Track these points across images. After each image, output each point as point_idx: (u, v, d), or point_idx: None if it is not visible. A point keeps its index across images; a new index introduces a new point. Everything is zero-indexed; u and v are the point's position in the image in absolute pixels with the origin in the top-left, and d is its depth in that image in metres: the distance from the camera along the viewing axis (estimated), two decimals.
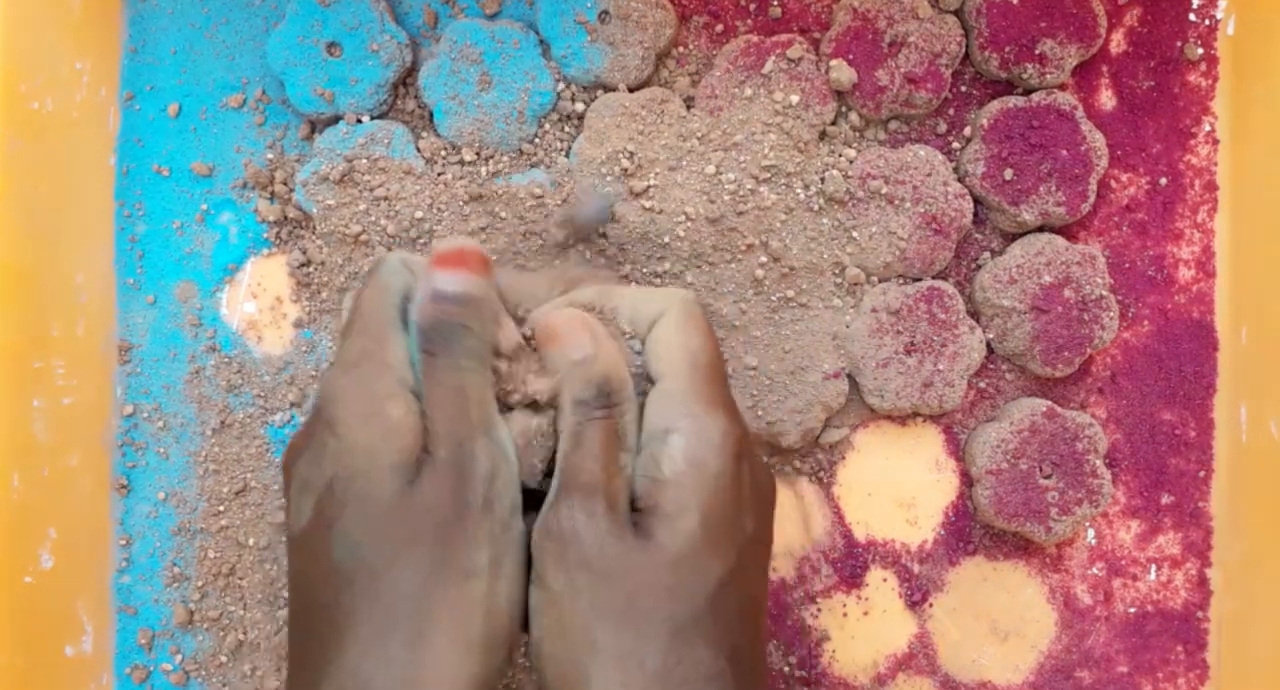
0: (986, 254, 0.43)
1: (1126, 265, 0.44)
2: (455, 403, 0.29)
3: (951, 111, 0.43)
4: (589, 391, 0.30)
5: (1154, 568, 0.44)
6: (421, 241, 0.41)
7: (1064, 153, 0.42)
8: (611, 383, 0.30)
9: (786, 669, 0.43)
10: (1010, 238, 0.43)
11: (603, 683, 0.27)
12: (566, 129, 0.42)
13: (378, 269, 0.32)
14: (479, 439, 0.29)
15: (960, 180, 0.42)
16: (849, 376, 0.43)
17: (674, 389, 0.30)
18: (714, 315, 0.41)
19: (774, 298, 0.42)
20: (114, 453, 0.44)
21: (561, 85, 0.42)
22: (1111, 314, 0.42)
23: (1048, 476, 0.42)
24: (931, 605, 0.44)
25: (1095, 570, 0.44)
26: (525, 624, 0.30)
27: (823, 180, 0.42)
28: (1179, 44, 0.44)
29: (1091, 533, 0.44)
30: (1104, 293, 0.42)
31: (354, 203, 0.41)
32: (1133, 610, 0.44)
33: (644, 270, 0.41)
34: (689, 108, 0.42)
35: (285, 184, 0.43)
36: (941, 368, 0.42)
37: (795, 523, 0.43)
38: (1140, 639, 0.44)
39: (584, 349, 0.30)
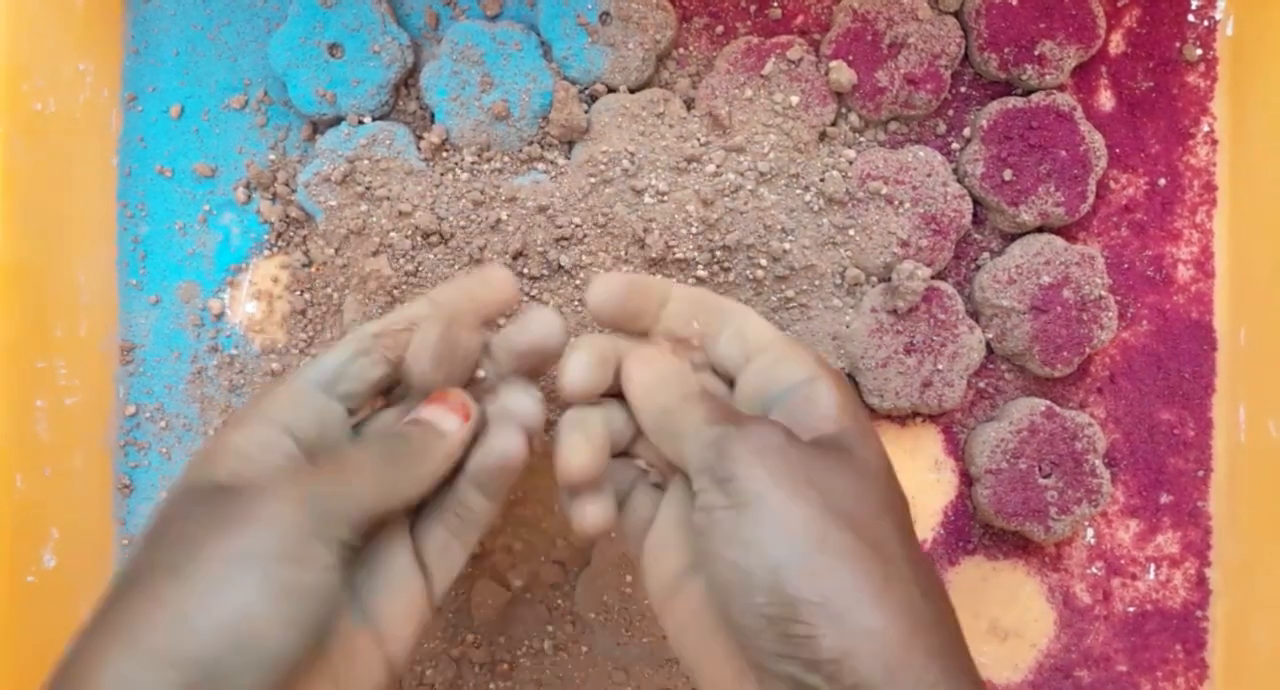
0: (986, 254, 0.43)
1: (1125, 265, 0.44)
2: (334, 473, 0.29)
3: (951, 112, 0.44)
4: (693, 385, 0.31)
5: (1153, 567, 0.44)
6: (432, 240, 0.42)
7: (1063, 153, 0.42)
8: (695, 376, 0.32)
9: None
10: (1009, 238, 0.43)
11: (854, 575, 0.26)
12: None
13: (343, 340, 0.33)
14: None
15: (960, 181, 0.42)
16: (849, 376, 0.43)
17: (790, 352, 0.32)
18: None
19: (774, 298, 0.42)
20: (116, 453, 0.44)
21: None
22: (1110, 314, 0.42)
23: (1047, 476, 0.42)
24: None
25: (1094, 569, 0.44)
26: None
27: (823, 181, 0.42)
28: (1178, 45, 0.44)
29: (1090, 532, 0.44)
30: (1103, 293, 0.42)
31: (356, 203, 0.42)
32: (1132, 609, 0.44)
33: (643, 271, 0.41)
34: (689, 109, 0.42)
35: (287, 185, 0.43)
36: (941, 368, 0.42)
37: None
38: (1139, 638, 0.44)
39: (674, 362, 0.32)
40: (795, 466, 0.28)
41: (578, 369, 0.32)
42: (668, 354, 0.32)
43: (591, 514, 0.32)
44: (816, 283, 0.42)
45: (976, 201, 0.43)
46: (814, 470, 0.28)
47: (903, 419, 0.44)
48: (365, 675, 0.29)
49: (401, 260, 0.41)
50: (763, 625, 0.26)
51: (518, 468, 0.31)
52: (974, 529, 0.44)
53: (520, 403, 0.32)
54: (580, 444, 0.31)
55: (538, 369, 0.34)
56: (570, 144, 0.43)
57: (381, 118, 0.43)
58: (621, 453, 0.34)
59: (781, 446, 0.28)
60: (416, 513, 0.32)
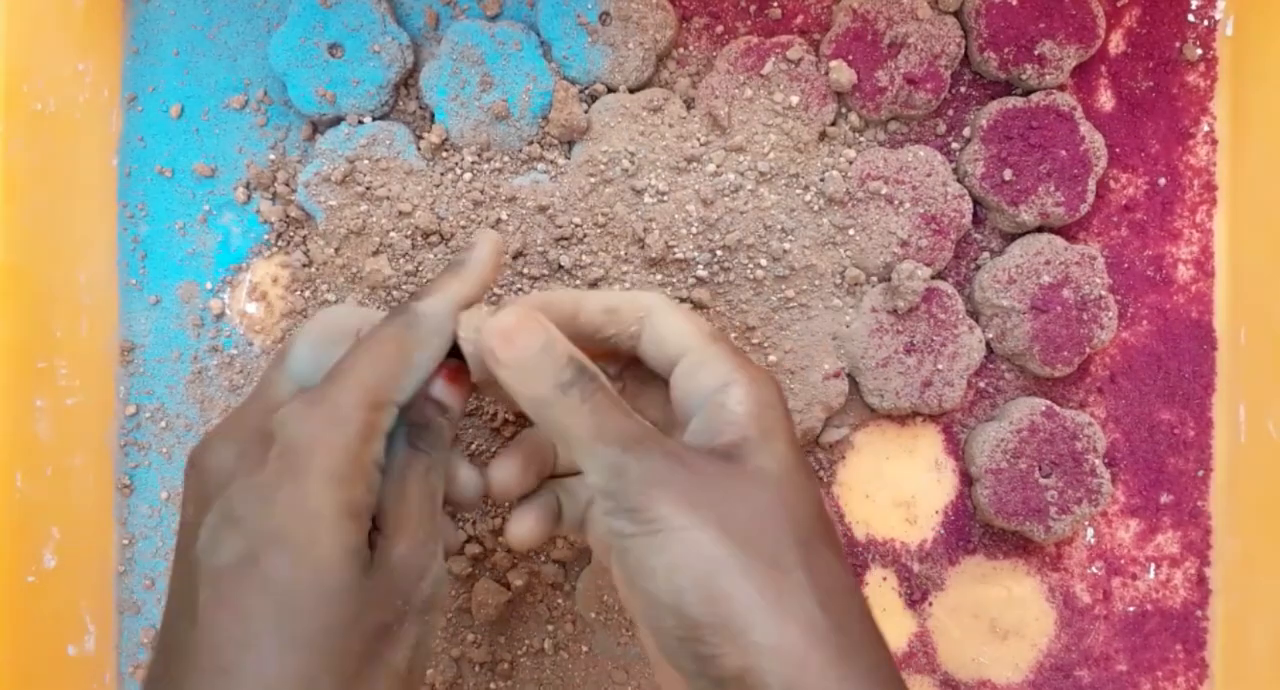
0: (986, 254, 0.43)
1: (1125, 265, 0.44)
2: (428, 503, 0.30)
3: (951, 112, 0.44)
4: (567, 373, 0.30)
5: (1153, 567, 0.44)
6: (432, 240, 0.42)
7: (1063, 153, 0.42)
8: (579, 360, 0.30)
9: None
10: (1009, 238, 0.43)
11: (748, 595, 0.27)
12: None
13: (411, 324, 0.31)
14: (434, 543, 0.30)
15: (960, 181, 0.42)
16: (849, 376, 0.43)
17: (707, 356, 0.31)
18: (714, 315, 0.42)
19: (774, 298, 0.42)
20: (117, 453, 0.44)
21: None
22: (1110, 314, 0.42)
23: (1047, 476, 0.42)
24: (931, 604, 0.44)
25: (1094, 569, 0.44)
26: None
27: (823, 181, 0.42)
28: (1178, 44, 0.44)
29: (1091, 532, 0.44)
30: (1103, 293, 0.42)
31: (356, 203, 0.42)
32: (1132, 609, 0.44)
33: (644, 271, 0.41)
34: (689, 109, 0.42)
35: (287, 185, 0.43)
36: (941, 367, 0.42)
37: None
38: (1139, 638, 0.44)
39: (540, 335, 0.30)
40: (693, 491, 0.28)
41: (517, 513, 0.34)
42: (531, 323, 0.30)
43: (515, 530, 0.33)
44: (816, 283, 0.42)
45: (976, 201, 0.43)
46: (710, 489, 0.28)
47: (903, 419, 0.44)
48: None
49: (401, 260, 0.41)
50: (675, 646, 0.27)
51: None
52: (974, 529, 0.44)
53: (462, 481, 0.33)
54: (507, 463, 0.33)
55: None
56: (570, 144, 0.43)
57: (381, 117, 0.43)
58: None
59: (676, 475, 0.28)
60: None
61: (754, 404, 0.30)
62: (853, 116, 0.43)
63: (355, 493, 0.28)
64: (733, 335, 0.42)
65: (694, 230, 0.41)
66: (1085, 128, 0.42)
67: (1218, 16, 0.44)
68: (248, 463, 0.28)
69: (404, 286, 0.41)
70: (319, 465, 0.27)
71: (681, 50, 0.43)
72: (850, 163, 0.42)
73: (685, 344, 0.32)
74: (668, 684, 0.29)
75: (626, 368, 0.35)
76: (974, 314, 0.43)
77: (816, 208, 0.42)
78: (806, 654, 0.26)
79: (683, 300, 0.41)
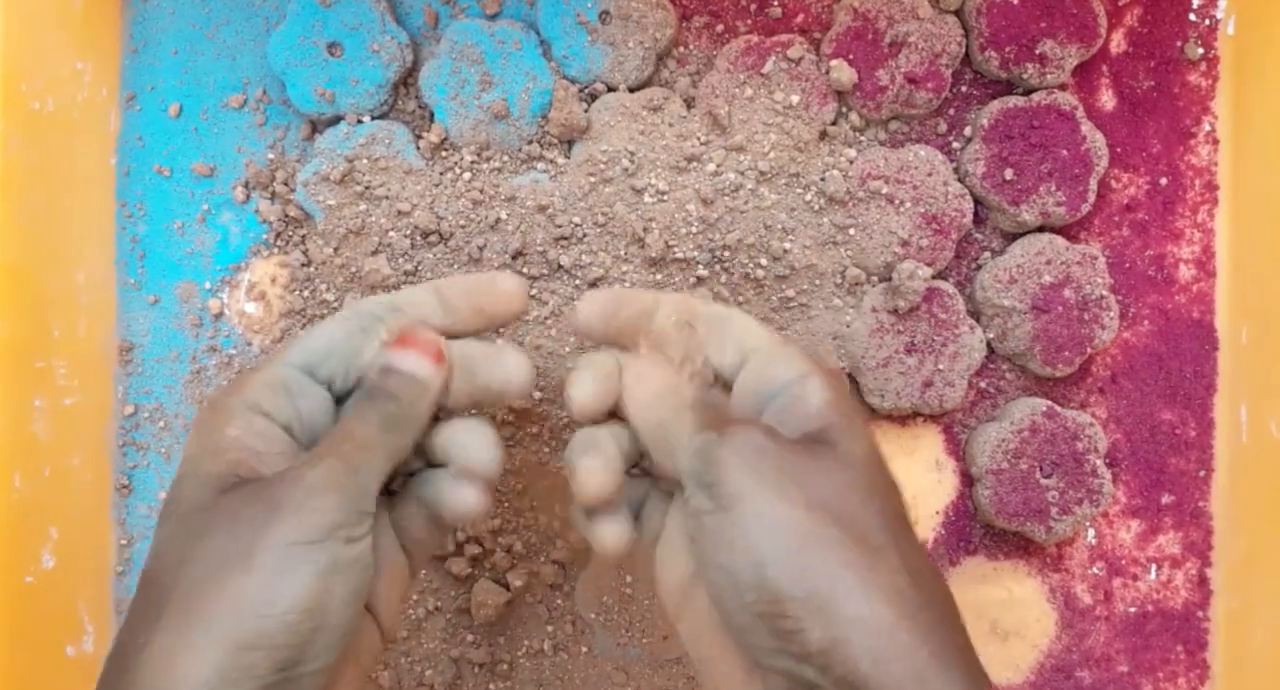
0: (987, 254, 0.43)
1: (1127, 265, 0.44)
2: (336, 436, 0.30)
3: (952, 111, 0.43)
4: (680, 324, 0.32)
5: (1154, 567, 0.44)
6: (431, 239, 0.41)
7: (1064, 153, 0.42)
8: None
9: None
10: (1010, 238, 0.43)
11: (837, 568, 0.26)
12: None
13: (350, 313, 0.33)
14: (330, 460, 0.29)
15: (960, 180, 0.42)
16: (849, 376, 0.43)
17: (780, 353, 0.32)
18: None
19: (774, 298, 0.42)
20: (115, 453, 0.44)
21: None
22: (1111, 314, 0.42)
23: (1048, 476, 0.42)
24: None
25: (1095, 570, 0.44)
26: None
27: (823, 180, 0.42)
28: (1179, 44, 0.44)
29: (1092, 532, 0.44)
30: (1104, 292, 0.42)
31: (355, 202, 0.41)
32: (1133, 610, 0.44)
33: (643, 271, 0.41)
34: (689, 108, 0.42)
35: (286, 184, 0.43)
36: (942, 367, 0.42)
37: None
38: (1140, 638, 0.44)
39: (668, 376, 0.32)
40: (777, 465, 0.28)
41: (583, 389, 0.32)
42: (661, 366, 0.32)
43: (612, 535, 0.32)
44: (817, 282, 0.42)
45: (977, 201, 0.43)
46: (797, 467, 0.28)
47: (903, 419, 0.44)
48: (371, 646, 0.31)
49: (400, 260, 0.41)
50: (754, 622, 0.27)
51: (480, 515, 0.32)
52: (975, 529, 0.44)
53: (476, 450, 0.32)
54: (596, 466, 0.31)
55: (486, 404, 0.34)
56: (570, 143, 0.42)
57: (380, 117, 0.43)
58: (632, 467, 0.34)
59: (763, 447, 0.28)
60: (390, 492, 0.33)
61: (834, 394, 0.31)
62: (853, 116, 0.43)
63: (219, 434, 0.30)
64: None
65: (694, 230, 0.41)
66: (1086, 127, 0.42)
67: (1219, 15, 0.44)
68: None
69: (403, 286, 0.41)
70: (199, 418, 0.31)
71: (681, 49, 0.43)
72: (851, 162, 0.42)
73: (760, 339, 0.33)
74: (720, 678, 0.29)
75: None
76: (975, 314, 0.43)
77: (817, 207, 0.42)
78: (895, 628, 0.26)
79: None
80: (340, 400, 0.32)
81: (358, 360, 0.32)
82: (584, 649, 0.43)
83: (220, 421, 0.30)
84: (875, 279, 0.43)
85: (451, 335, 0.33)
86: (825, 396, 0.30)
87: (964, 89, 0.43)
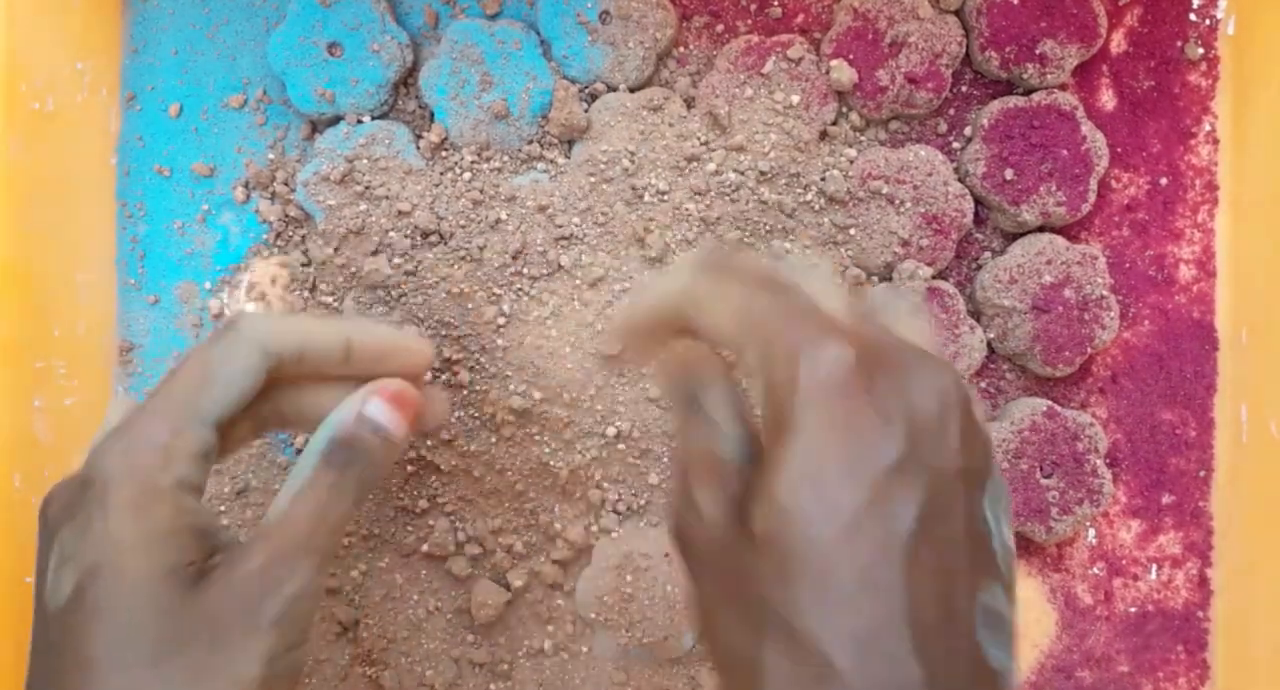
0: (987, 254, 0.43)
1: (1127, 265, 0.44)
2: (312, 517, 0.29)
3: (952, 111, 0.43)
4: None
5: (1154, 567, 0.44)
6: (432, 239, 0.41)
7: (1064, 153, 0.42)
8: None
9: None
10: (1011, 238, 0.43)
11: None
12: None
13: (222, 345, 0.30)
14: (307, 559, 0.28)
15: (961, 180, 0.42)
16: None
17: None
18: None
19: None
20: None
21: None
22: (1112, 314, 0.42)
23: (1048, 476, 0.42)
24: None
25: (1096, 570, 0.44)
26: None
27: (823, 180, 0.42)
28: (1179, 44, 0.44)
29: (1092, 532, 0.44)
30: (1104, 293, 0.42)
31: (355, 203, 0.41)
32: (1133, 610, 0.44)
33: (644, 270, 0.41)
34: (689, 108, 0.42)
35: (286, 184, 0.43)
36: None
37: None
38: (1141, 639, 0.44)
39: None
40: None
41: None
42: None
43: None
44: None
45: (978, 201, 0.43)
46: None
47: None
48: None
49: (401, 260, 0.41)
50: None
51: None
52: None
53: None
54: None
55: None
56: (570, 143, 0.42)
57: (381, 117, 0.43)
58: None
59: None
60: None
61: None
62: (853, 116, 0.43)
63: (157, 517, 0.28)
64: None
65: (694, 230, 0.41)
66: (1087, 127, 0.42)
67: (1219, 15, 0.44)
68: (74, 505, 0.29)
69: (403, 286, 0.41)
70: (117, 496, 0.28)
71: (682, 49, 0.43)
72: (851, 162, 0.42)
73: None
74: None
75: None
76: (975, 314, 0.43)
77: (817, 207, 0.42)
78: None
79: None
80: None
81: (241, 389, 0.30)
82: (584, 649, 0.43)
83: (149, 502, 0.28)
84: (875, 279, 0.43)
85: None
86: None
87: (964, 89, 0.43)
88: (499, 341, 0.41)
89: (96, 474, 0.29)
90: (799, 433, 0.23)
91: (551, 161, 0.42)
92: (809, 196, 0.42)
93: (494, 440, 0.42)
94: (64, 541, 0.29)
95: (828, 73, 0.42)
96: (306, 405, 0.32)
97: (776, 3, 0.43)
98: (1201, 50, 0.44)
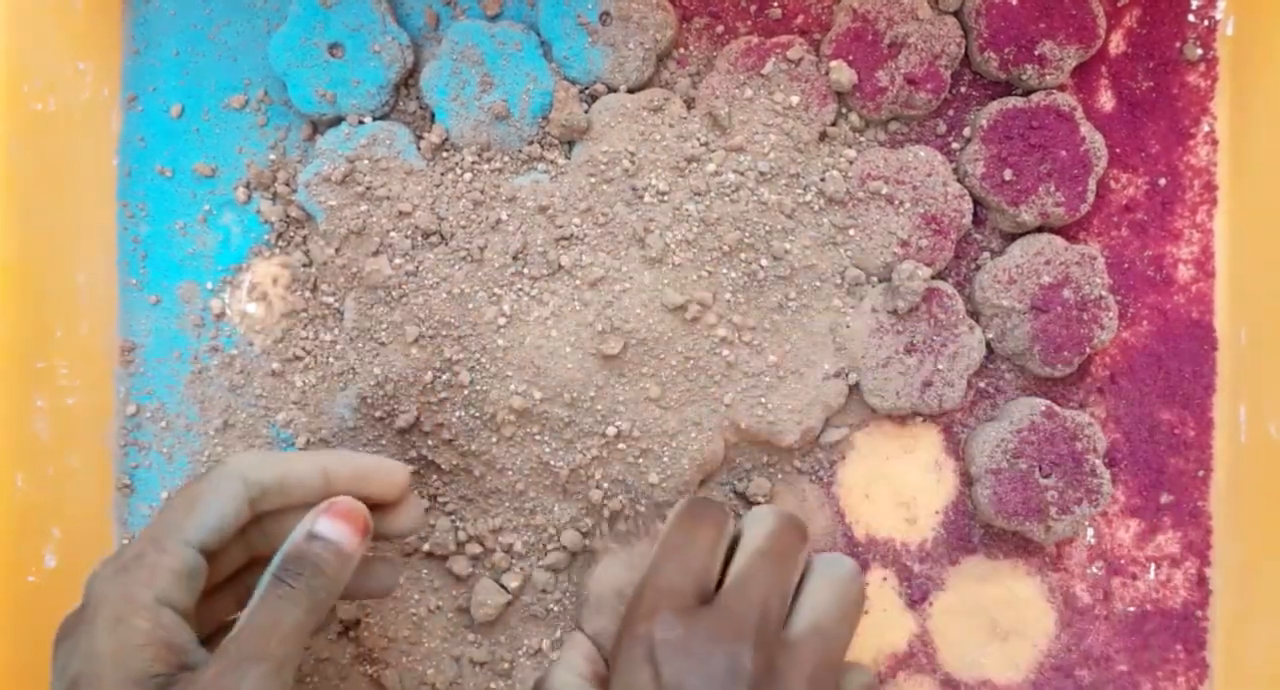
0: (986, 254, 0.43)
1: (1126, 265, 0.44)
2: (263, 627, 0.31)
3: (951, 112, 0.44)
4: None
5: (1153, 567, 0.44)
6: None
7: (1063, 153, 0.42)
8: None
9: None
10: (1010, 238, 0.43)
11: None
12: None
13: (209, 478, 0.33)
14: (255, 667, 0.30)
15: (960, 181, 0.42)
16: (849, 376, 0.43)
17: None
18: (714, 315, 0.42)
19: (774, 298, 0.42)
20: (117, 453, 0.44)
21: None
22: (1111, 314, 0.42)
23: (1047, 476, 0.42)
24: (931, 604, 0.44)
25: (1095, 569, 0.44)
26: None
27: (823, 181, 0.42)
28: (1178, 44, 0.44)
29: (1091, 532, 0.44)
30: (1103, 293, 0.42)
31: (356, 203, 0.42)
32: (1132, 609, 0.44)
33: (644, 270, 0.41)
34: (689, 109, 0.42)
35: (287, 184, 0.43)
36: (941, 368, 0.42)
37: None
38: (1140, 638, 0.44)
39: None
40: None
41: None
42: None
43: None
44: (817, 283, 0.42)
45: (977, 201, 0.43)
46: None
47: (903, 419, 0.44)
48: None
49: (401, 260, 0.41)
50: None
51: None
52: (974, 529, 0.44)
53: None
54: None
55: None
56: (570, 144, 0.43)
57: (381, 118, 0.43)
58: None
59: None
60: None
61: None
62: (853, 116, 0.43)
63: (133, 630, 0.30)
64: (732, 335, 0.42)
65: (694, 230, 0.41)
66: (1085, 128, 0.42)
67: (1218, 16, 0.44)
68: (70, 626, 0.31)
69: (404, 286, 0.41)
70: (102, 612, 0.30)
71: (682, 50, 0.43)
72: (850, 163, 0.42)
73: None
74: None
75: None
76: (974, 314, 0.43)
77: (817, 208, 0.42)
78: None
79: (684, 301, 0.41)
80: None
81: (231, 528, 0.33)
82: None
83: (129, 614, 0.30)
84: (875, 279, 0.43)
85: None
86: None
87: (963, 89, 0.44)
88: (499, 341, 0.41)
89: (89, 595, 0.31)
90: None
91: (552, 162, 0.42)
92: (809, 197, 0.42)
93: (494, 440, 0.42)
94: (60, 658, 0.31)
95: (827, 74, 0.42)
96: (287, 531, 0.33)
97: (776, 4, 0.43)
98: (1200, 51, 0.44)
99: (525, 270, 0.41)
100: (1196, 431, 0.44)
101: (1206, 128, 0.44)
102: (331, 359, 0.43)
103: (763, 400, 0.42)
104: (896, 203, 0.42)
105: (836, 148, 0.42)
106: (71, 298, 0.42)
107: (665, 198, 0.41)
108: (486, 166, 0.42)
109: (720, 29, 0.43)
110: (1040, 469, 0.42)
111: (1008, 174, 0.42)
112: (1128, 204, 0.44)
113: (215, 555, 0.33)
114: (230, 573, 0.35)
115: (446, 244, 0.42)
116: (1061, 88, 0.43)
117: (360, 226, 0.41)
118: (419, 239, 0.42)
